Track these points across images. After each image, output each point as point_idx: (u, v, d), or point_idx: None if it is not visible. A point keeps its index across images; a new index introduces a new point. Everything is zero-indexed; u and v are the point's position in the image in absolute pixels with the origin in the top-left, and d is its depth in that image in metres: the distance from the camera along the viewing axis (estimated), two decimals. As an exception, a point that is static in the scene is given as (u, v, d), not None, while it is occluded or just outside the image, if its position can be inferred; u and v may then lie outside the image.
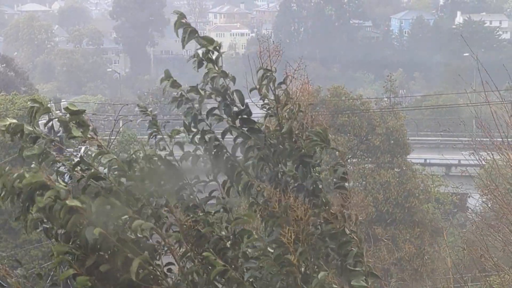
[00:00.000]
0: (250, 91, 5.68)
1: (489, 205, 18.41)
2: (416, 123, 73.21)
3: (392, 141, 37.87)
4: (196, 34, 5.39)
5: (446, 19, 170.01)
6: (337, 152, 5.57)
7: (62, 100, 39.80)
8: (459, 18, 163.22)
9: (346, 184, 5.51)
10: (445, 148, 72.68)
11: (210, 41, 5.36)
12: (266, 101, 5.52)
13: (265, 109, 5.52)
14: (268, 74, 5.50)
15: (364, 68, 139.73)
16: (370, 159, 38.40)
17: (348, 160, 38.71)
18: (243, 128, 5.34)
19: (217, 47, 5.34)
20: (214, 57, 5.36)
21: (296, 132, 5.35)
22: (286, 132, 5.32)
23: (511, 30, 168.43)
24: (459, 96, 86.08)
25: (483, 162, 18.62)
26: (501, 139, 17.36)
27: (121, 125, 42.38)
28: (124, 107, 67.45)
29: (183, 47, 5.41)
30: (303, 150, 5.30)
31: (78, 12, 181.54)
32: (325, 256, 5.34)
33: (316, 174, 5.35)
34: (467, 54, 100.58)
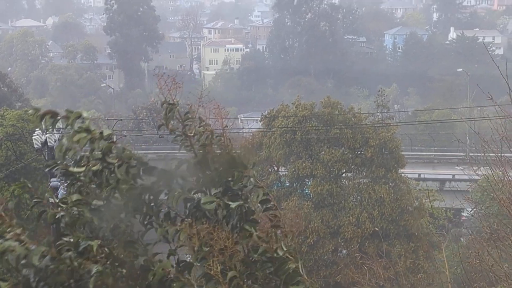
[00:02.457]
0: (158, 127, 5.55)
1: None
2: (410, 138, 73.29)
3: (386, 153, 37.89)
4: (58, 116, 5.07)
5: (439, 34, 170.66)
6: (253, 176, 5.33)
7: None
8: (453, 34, 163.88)
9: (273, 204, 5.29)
10: (440, 163, 72.81)
11: (74, 113, 5.06)
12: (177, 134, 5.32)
13: (178, 143, 5.35)
14: (172, 107, 5.34)
15: (358, 83, 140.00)
16: (365, 173, 38.41)
17: (343, 175, 38.76)
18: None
19: (81, 116, 5.04)
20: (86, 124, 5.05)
21: (215, 159, 5.17)
22: (201, 161, 5.17)
23: (504, 46, 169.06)
24: (453, 111, 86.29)
25: (477, 177, 18.64)
26: (497, 154, 17.39)
27: (114, 140, 42.49)
28: (118, 122, 67.51)
29: (49, 131, 5.21)
30: (220, 175, 5.13)
31: (72, 27, 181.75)
32: (263, 279, 5.14)
33: (242, 198, 5.17)
34: (460, 70, 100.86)
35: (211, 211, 5.15)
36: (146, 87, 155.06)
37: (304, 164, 37.34)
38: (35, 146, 33.25)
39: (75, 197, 4.99)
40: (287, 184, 38.74)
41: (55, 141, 31.36)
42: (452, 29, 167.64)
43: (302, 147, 37.97)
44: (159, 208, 5.11)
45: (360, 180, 38.14)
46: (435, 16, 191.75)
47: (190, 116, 5.34)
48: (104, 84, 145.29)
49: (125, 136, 58.38)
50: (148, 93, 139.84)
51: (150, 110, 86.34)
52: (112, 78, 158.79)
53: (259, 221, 5.20)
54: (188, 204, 5.18)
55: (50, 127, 5.05)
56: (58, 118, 5.06)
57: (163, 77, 5.53)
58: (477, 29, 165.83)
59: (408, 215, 36.77)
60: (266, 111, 41.94)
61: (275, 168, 39.46)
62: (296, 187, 38.55)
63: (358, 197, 37.66)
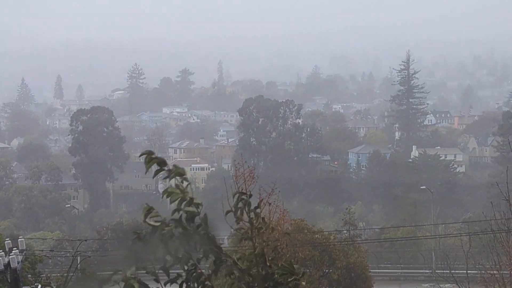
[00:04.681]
0: (226, 214, 5.60)
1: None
2: (376, 256, 73.19)
3: (354, 275, 37.77)
4: (166, 165, 5.34)
5: (402, 153, 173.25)
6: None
7: (19, 237, 39.21)
8: (415, 152, 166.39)
9: None
10: (406, 280, 72.51)
11: (181, 171, 5.30)
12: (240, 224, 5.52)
13: (240, 232, 5.46)
14: (244, 197, 5.46)
15: (323, 201, 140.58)
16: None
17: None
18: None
19: (185, 177, 5.33)
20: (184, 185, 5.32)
21: (270, 258, 5.30)
22: (259, 255, 5.27)
23: (466, 164, 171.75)
24: (418, 228, 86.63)
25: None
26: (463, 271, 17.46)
27: (79, 262, 41.80)
28: (83, 243, 66.69)
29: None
30: (276, 276, 5.24)
31: (37, 148, 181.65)
32: None
33: None
34: (424, 187, 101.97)
35: None
36: (112, 206, 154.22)
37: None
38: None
39: None
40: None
41: (18, 263, 30.82)
42: (414, 147, 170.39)
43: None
44: None
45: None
46: (397, 135, 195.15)
47: (259, 211, 5.45)
48: (69, 205, 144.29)
49: (89, 257, 57.55)
50: (113, 213, 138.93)
51: (115, 230, 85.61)
52: (77, 199, 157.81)
53: None
54: None
55: None
56: None
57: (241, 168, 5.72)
58: (438, 147, 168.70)
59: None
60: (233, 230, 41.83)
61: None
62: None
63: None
